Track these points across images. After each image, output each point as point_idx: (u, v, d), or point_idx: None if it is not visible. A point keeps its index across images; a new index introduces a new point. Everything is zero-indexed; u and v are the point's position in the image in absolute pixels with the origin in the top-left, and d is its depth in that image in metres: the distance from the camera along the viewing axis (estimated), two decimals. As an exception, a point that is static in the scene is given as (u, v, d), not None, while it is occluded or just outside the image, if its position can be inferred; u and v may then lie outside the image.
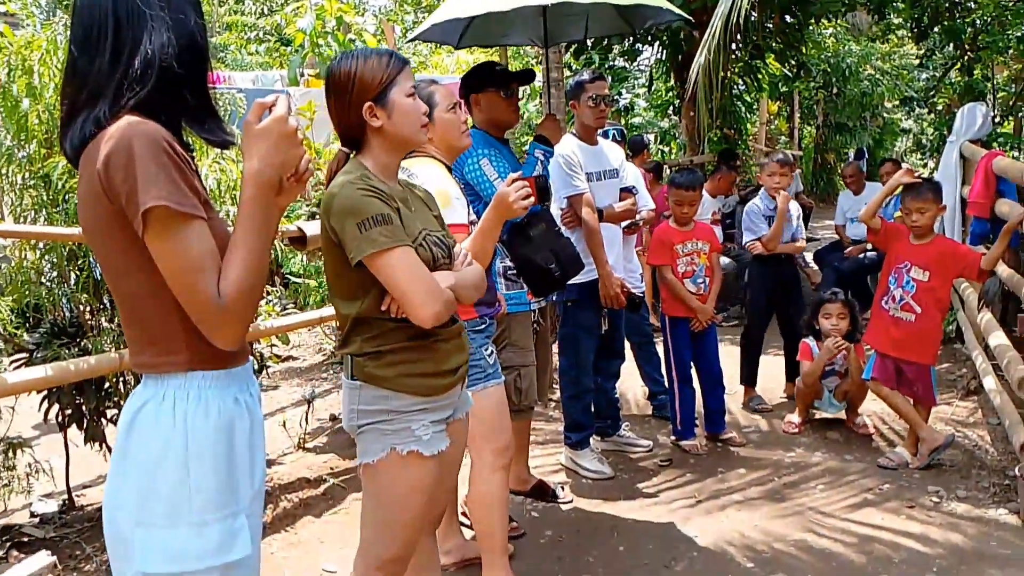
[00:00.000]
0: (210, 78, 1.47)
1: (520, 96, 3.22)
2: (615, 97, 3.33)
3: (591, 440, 3.90)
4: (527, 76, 3.18)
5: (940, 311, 3.57)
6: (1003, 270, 3.98)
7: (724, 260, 6.85)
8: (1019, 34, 6.02)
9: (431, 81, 2.76)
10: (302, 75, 7.17)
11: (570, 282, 3.67)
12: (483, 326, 2.68)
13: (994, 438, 3.93)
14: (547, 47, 3.63)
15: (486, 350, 2.66)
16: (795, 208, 4.66)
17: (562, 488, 3.58)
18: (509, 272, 3.00)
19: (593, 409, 3.99)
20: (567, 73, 6.75)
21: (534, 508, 3.46)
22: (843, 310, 4.18)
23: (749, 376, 4.72)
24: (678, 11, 3.53)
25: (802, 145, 17.88)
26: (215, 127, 1.45)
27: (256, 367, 3.82)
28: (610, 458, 3.95)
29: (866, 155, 14.98)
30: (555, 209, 3.76)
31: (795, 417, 4.34)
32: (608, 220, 3.77)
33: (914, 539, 3.01)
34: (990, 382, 4.06)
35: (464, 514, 3.13)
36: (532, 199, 2.40)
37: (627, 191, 3.92)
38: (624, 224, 4.40)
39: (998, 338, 3.80)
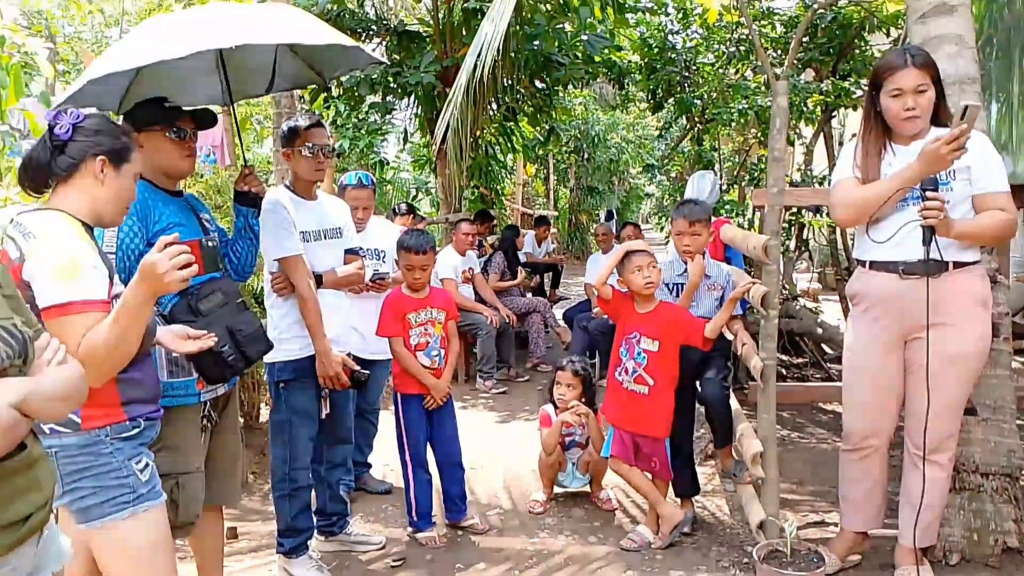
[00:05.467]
0: None
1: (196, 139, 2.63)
2: (333, 147, 2.94)
3: (311, 542, 3.33)
4: (204, 117, 2.64)
5: (671, 381, 3.44)
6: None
7: (480, 319, 6.59)
8: (739, 108, 6.46)
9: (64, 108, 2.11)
10: None
11: (283, 359, 3.17)
12: (134, 431, 2.06)
13: (732, 507, 3.88)
14: (232, 103, 3.10)
15: (137, 463, 2.04)
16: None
17: (267, 611, 2.97)
18: (174, 355, 2.40)
19: (316, 506, 3.45)
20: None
21: (229, 642, 2.81)
22: (572, 380, 3.99)
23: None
24: (372, 54, 3.17)
25: (558, 206, 18.64)
26: None
27: None
28: (334, 562, 3.41)
29: (615, 216, 15.89)
30: (267, 274, 3.24)
31: (539, 495, 4.06)
32: (328, 286, 3.29)
33: (657, 639, 2.76)
34: (726, 450, 4.02)
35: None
36: (194, 268, 1.88)
37: (353, 253, 3.47)
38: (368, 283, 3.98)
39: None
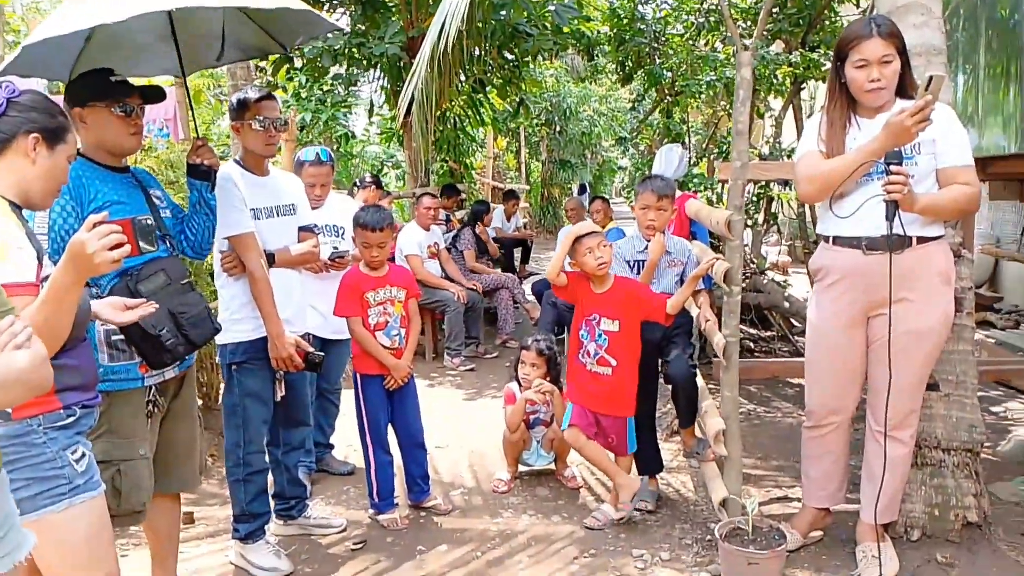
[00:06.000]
0: None
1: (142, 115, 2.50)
2: (285, 120, 2.77)
3: (268, 527, 3.26)
4: (152, 93, 2.51)
5: (634, 359, 3.39)
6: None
7: (447, 296, 6.50)
8: (708, 79, 6.40)
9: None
10: None
11: (235, 341, 3.08)
12: (69, 420, 1.96)
13: (696, 484, 3.87)
14: (184, 74, 2.95)
15: (73, 453, 1.95)
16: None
17: (222, 598, 2.90)
18: (114, 338, 2.30)
19: (274, 490, 3.38)
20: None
21: (181, 632, 2.74)
22: (536, 359, 3.93)
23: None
24: (331, 21, 3.03)
25: (530, 180, 18.51)
26: None
27: None
28: (293, 546, 3.34)
29: (588, 190, 15.82)
30: (216, 252, 3.12)
31: (504, 474, 4.01)
32: (281, 265, 3.18)
33: (618, 620, 2.74)
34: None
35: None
36: (126, 249, 1.78)
37: (307, 230, 3.36)
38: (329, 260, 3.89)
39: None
